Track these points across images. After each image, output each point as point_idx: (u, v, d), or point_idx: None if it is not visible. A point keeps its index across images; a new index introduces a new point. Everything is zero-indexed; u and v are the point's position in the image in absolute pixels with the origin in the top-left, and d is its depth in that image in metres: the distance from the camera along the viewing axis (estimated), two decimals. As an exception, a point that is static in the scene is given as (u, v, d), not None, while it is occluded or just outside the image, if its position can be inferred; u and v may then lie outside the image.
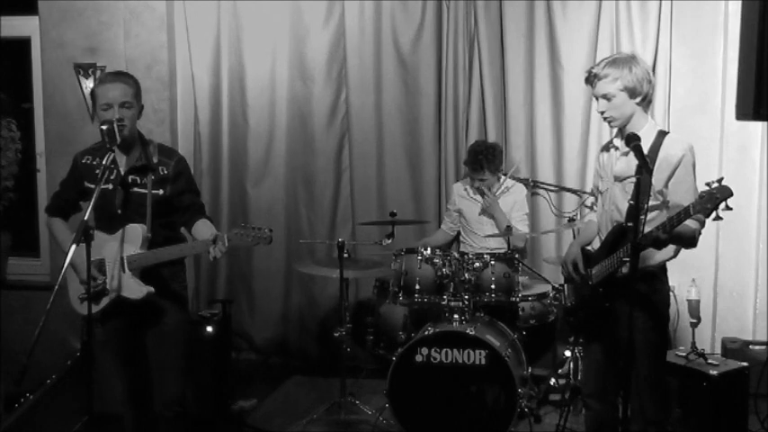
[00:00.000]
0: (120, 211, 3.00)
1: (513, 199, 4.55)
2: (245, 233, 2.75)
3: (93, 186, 2.92)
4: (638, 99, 2.84)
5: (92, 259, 2.82)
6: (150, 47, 4.98)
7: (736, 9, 3.83)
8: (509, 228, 4.24)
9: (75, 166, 3.13)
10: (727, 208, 2.47)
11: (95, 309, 2.95)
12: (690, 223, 2.66)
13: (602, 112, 2.89)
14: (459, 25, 4.83)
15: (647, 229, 2.63)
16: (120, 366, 3.12)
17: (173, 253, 2.95)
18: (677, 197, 2.78)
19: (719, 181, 2.48)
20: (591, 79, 2.90)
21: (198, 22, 5.15)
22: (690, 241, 2.77)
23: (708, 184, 2.50)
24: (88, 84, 4.92)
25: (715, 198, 2.46)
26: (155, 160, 3.04)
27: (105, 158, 2.84)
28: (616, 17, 4.58)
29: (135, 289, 2.93)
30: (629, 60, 2.86)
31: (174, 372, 3.09)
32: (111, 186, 3.01)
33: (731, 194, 2.47)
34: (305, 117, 5.15)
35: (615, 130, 3.01)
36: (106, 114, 2.92)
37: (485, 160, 4.39)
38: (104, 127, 2.86)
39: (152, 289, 2.92)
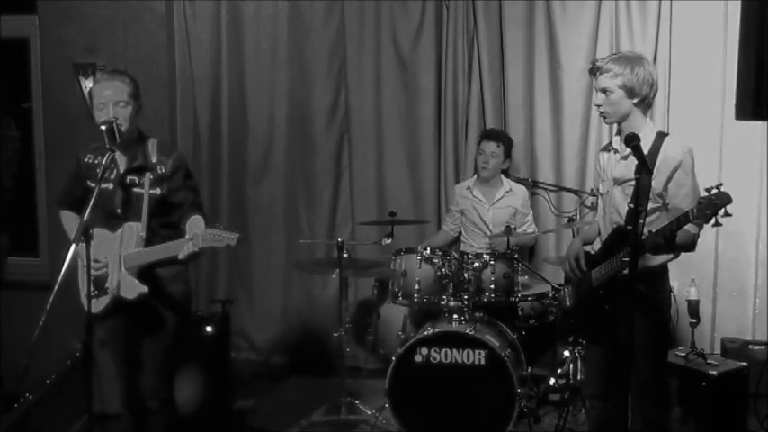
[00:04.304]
0: (119, 211, 3.01)
1: (514, 202, 4.57)
2: (217, 234, 2.73)
3: (94, 186, 2.93)
4: (635, 100, 2.84)
5: (95, 258, 2.89)
6: (150, 47, 4.97)
7: (735, 9, 3.82)
8: (509, 228, 4.25)
9: (78, 164, 3.15)
10: (726, 214, 2.47)
11: (98, 307, 2.97)
12: (690, 228, 2.66)
13: (599, 106, 2.91)
14: (458, 25, 4.83)
15: (646, 231, 2.63)
16: (117, 365, 3.12)
17: (160, 252, 2.92)
18: (677, 200, 2.78)
19: (718, 187, 2.48)
20: (594, 71, 2.91)
21: (198, 22, 5.15)
22: (690, 247, 2.77)
23: (707, 190, 2.49)
24: (88, 84, 4.92)
25: (714, 204, 2.46)
26: (153, 159, 3.04)
27: (105, 158, 2.85)
28: (616, 17, 4.58)
29: (130, 288, 2.93)
30: (634, 60, 2.85)
31: (157, 366, 3.09)
32: (110, 186, 3.02)
33: (730, 201, 2.46)
34: (304, 117, 5.15)
35: (614, 132, 3.01)
36: (101, 114, 2.93)
37: (501, 134, 4.56)
38: (104, 127, 2.87)
39: (146, 289, 2.92)
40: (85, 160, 3.11)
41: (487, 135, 4.59)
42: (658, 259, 2.85)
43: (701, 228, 2.67)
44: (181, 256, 2.80)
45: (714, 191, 2.48)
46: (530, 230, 4.62)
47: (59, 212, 3.27)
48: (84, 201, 3.16)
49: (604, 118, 2.93)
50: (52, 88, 5.04)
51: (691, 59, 4.51)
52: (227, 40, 5.15)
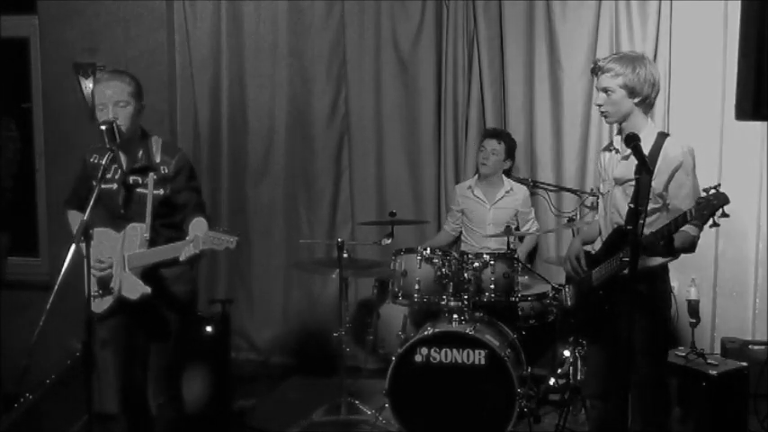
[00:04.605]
0: (122, 211, 3.02)
1: (515, 202, 4.60)
2: (217, 237, 2.72)
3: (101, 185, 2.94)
4: (636, 99, 2.84)
5: (102, 257, 2.92)
6: (150, 47, 4.98)
7: (735, 9, 3.82)
8: (509, 228, 4.25)
9: (84, 164, 3.16)
10: (724, 215, 2.47)
11: (102, 307, 2.99)
12: (689, 230, 2.66)
13: (600, 105, 2.90)
14: (458, 25, 4.83)
15: (646, 231, 2.63)
16: (116, 365, 3.10)
17: (162, 253, 2.91)
18: (677, 201, 2.78)
19: (716, 187, 2.49)
20: (595, 70, 2.91)
21: (198, 22, 5.15)
22: (689, 249, 2.78)
23: (705, 191, 2.50)
24: (88, 84, 4.92)
25: (712, 205, 2.47)
26: (157, 159, 3.04)
27: (105, 158, 2.85)
28: (616, 17, 4.58)
29: (133, 289, 2.93)
30: (636, 60, 2.86)
31: (159, 366, 3.10)
32: (114, 186, 3.02)
33: (727, 201, 2.47)
34: (305, 117, 5.16)
35: (615, 131, 3.01)
36: (102, 114, 2.94)
37: (502, 132, 4.61)
38: (104, 127, 2.87)
39: (148, 290, 2.91)
40: (91, 160, 3.12)
41: (489, 133, 4.64)
42: (658, 259, 2.86)
43: (700, 229, 2.68)
44: (182, 258, 2.80)
45: (712, 191, 2.49)
46: (532, 229, 4.64)
47: (67, 212, 3.28)
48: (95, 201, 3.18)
49: (605, 117, 2.94)
50: (52, 88, 5.05)
51: (691, 59, 4.51)
52: (227, 40, 5.15)
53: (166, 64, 5.04)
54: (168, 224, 3.04)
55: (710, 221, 2.49)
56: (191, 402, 3.52)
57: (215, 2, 5.13)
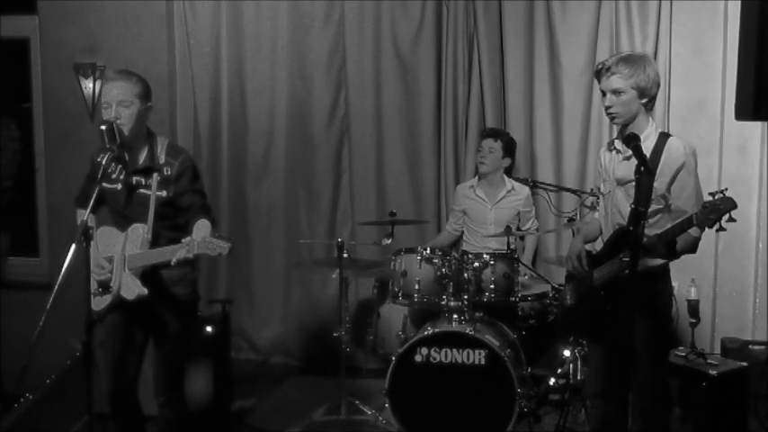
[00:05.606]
0: (125, 212, 3.02)
1: (517, 202, 4.60)
2: (212, 242, 2.71)
3: (105, 185, 2.95)
4: (644, 99, 2.83)
5: (104, 260, 2.95)
6: (150, 47, 4.97)
7: (735, 9, 3.82)
8: (509, 227, 4.25)
9: (92, 164, 3.15)
10: (731, 219, 2.47)
11: (101, 305, 2.99)
12: (691, 231, 2.66)
13: (608, 107, 2.85)
14: (458, 25, 4.84)
15: (648, 232, 2.63)
16: (108, 362, 3.08)
17: (158, 255, 2.89)
18: (680, 202, 2.78)
19: (723, 192, 2.48)
20: (602, 72, 2.85)
21: (198, 22, 5.15)
22: (691, 249, 2.78)
23: (712, 195, 2.49)
24: (88, 84, 4.92)
25: (719, 210, 2.46)
26: (162, 160, 3.03)
27: (105, 159, 2.85)
28: (616, 17, 4.58)
29: (130, 289, 2.93)
30: (644, 59, 2.85)
31: (160, 366, 3.12)
32: (119, 186, 3.02)
33: (735, 207, 2.46)
34: (304, 117, 5.16)
35: (616, 132, 3.01)
36: (106, 113, 2.94)
37: (499, 131, 4.61)
38: (103, 127, 2.87)
39: (145, 291, 2.91)
40: (98, 160, 3.10)
41: (486, 133, 4.65)
42: (659, 260, 2.85)
43: (702, 230, 2.67)
44: (173, 262, 2.79)
45: (719, 195, 2.48)
46: (533, 227, 4.65)
47: (76, 211, 3.28)
48: (99, 200, 3.18)
49: (614, 119, 2.88)
50: (52, 88, 5.04)
51: (691, 59, 4.51)
52: (227, 40, 5.15)
53: (166, 64, 5.03)
54: (171, 226, 3.04)
55: (717, 225, 2.49)
56: (191, 402, 3.53)
57: (215, 2, 5.13)
